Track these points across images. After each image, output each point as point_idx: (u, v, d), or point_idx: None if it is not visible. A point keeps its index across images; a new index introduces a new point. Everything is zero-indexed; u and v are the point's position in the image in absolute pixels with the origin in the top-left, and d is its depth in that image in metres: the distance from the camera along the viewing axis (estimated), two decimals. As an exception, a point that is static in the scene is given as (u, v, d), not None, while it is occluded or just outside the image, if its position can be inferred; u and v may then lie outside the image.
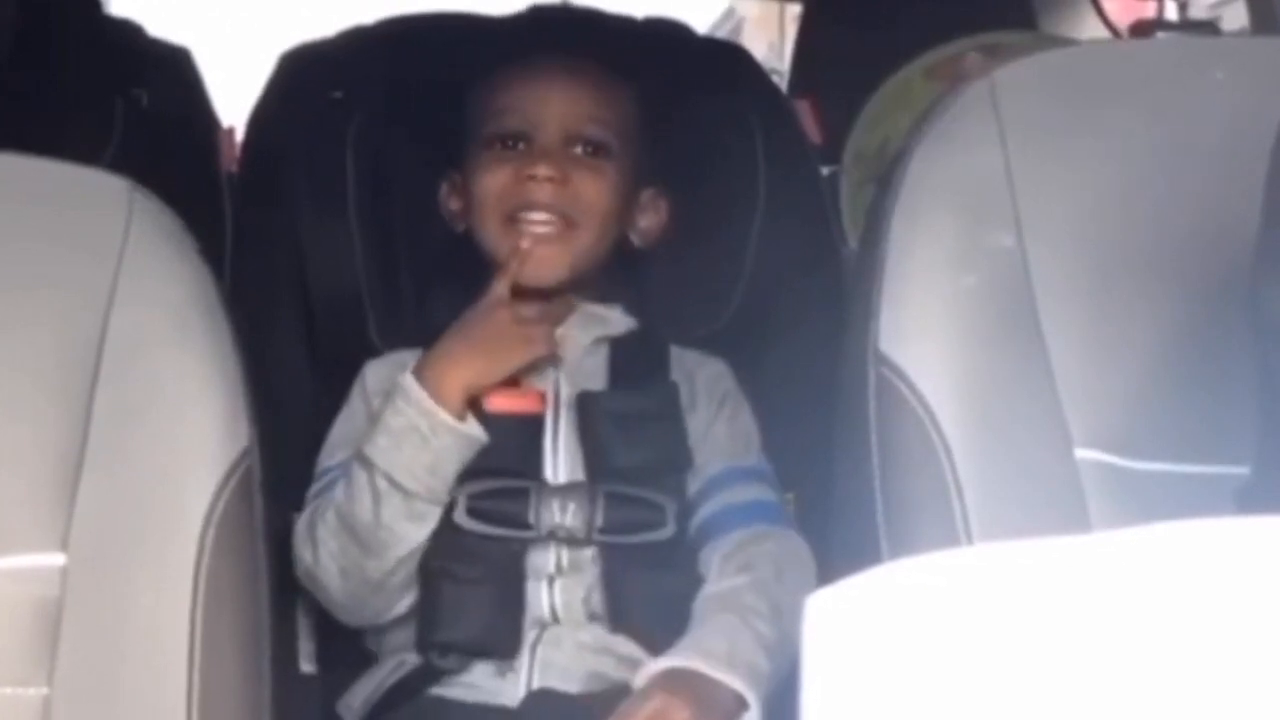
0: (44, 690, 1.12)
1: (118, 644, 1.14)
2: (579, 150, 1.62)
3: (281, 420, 1.46)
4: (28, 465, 1.16)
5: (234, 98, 2.52)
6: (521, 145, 1.62)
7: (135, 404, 1.18)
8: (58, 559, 1.14)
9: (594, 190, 1.61)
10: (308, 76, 1.85)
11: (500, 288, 1.57)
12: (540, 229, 1.59)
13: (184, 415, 1.18)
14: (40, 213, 1.24)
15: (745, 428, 1.65)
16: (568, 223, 1.60)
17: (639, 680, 1.44)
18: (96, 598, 1.14)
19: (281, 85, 1.85)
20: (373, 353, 1.68)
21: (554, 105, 1.62)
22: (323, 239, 1.72)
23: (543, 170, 1.59)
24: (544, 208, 1.59)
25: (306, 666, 1.61)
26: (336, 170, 1.72)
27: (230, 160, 2.41)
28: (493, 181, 1.61)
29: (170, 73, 2.60)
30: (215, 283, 1.24)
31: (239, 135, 2.02)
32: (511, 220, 1.60)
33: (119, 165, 1.35)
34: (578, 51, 1.68)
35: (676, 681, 1.41)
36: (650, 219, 1.70)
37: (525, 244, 1.58)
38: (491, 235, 1.61)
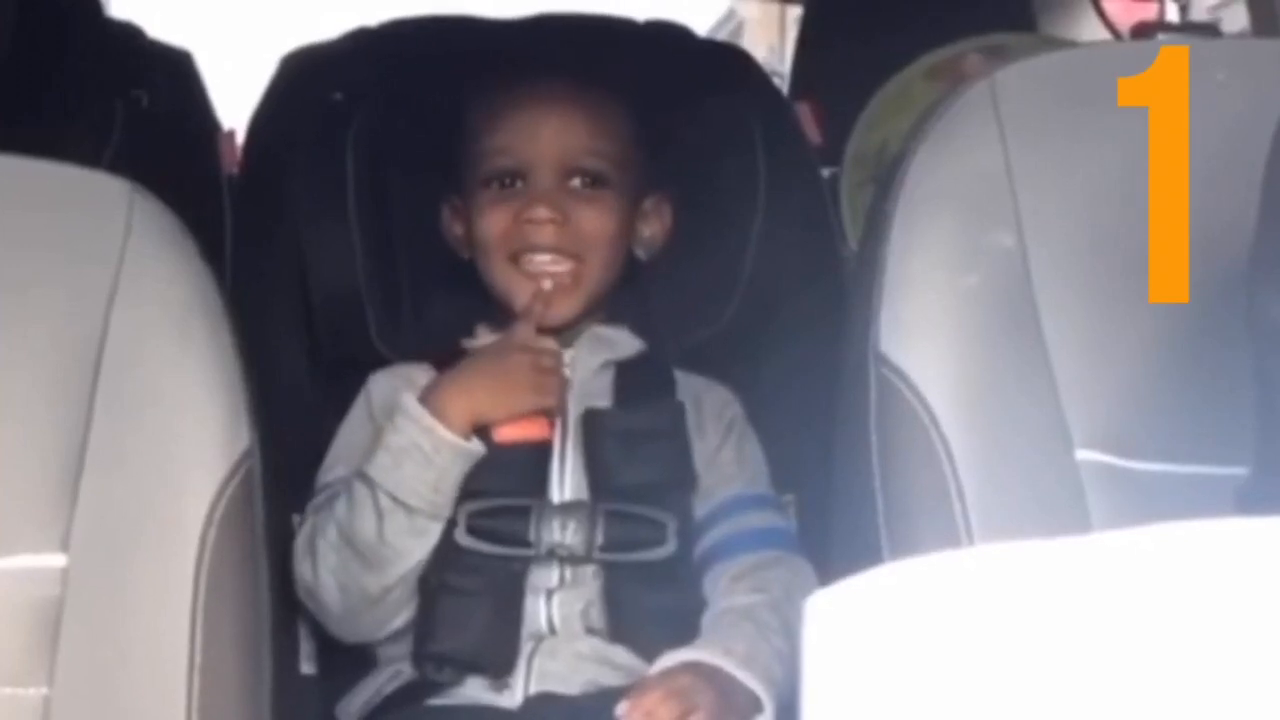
0: (44, 690, 1.12)
1: (118, 644, 1.14)
2: (577, 183, 1.62)
3: (282, 421, 1.45)
4: (28, 466, 1.16)
5: (234, 100, 2.53)
6: (519, 183, 1.62)
7: (136, 405, 1.18)
8: (58, 559, 1.14)
9: (595, 224, 1.62)
10: (308, 79, 1.85)
11: (523, 332, 1.58)
12: (548, 268, 1.60)
13: (185, 416, 1.19)
14: (40, 214, 1.24)
15: (754, 456, 1.65)
16: (574, 260, 1.61)
17: (657, 667, 1.44)
18: (97, 598, 1.14)
19: (282, 87, 1.85)
20: (373, 354, 1.68)
21: (549, 142, 1.62)
22: (323, 241, 1.72)
23: (542, 213, 1.59)
24: (547, 249, 1.60)
25: (306, 667, 1.61)
26: (337, 172, 1.72)
27: (231, 162, 2.41)
28: (493, 225, 1.62)
29: (170, 74, 2.60)
30: (216, 284, 1.24)
31: (239, 137, 2.02)
32: (515, 260, 1.61)
33: (119, 167, 1.35)
34: (571, 71, 1.68)
35: (698, 671, 1.42)
36: (654, 226, 1.70)
37: (546, 285, 1.59)
38: (498, 275, 1.62)
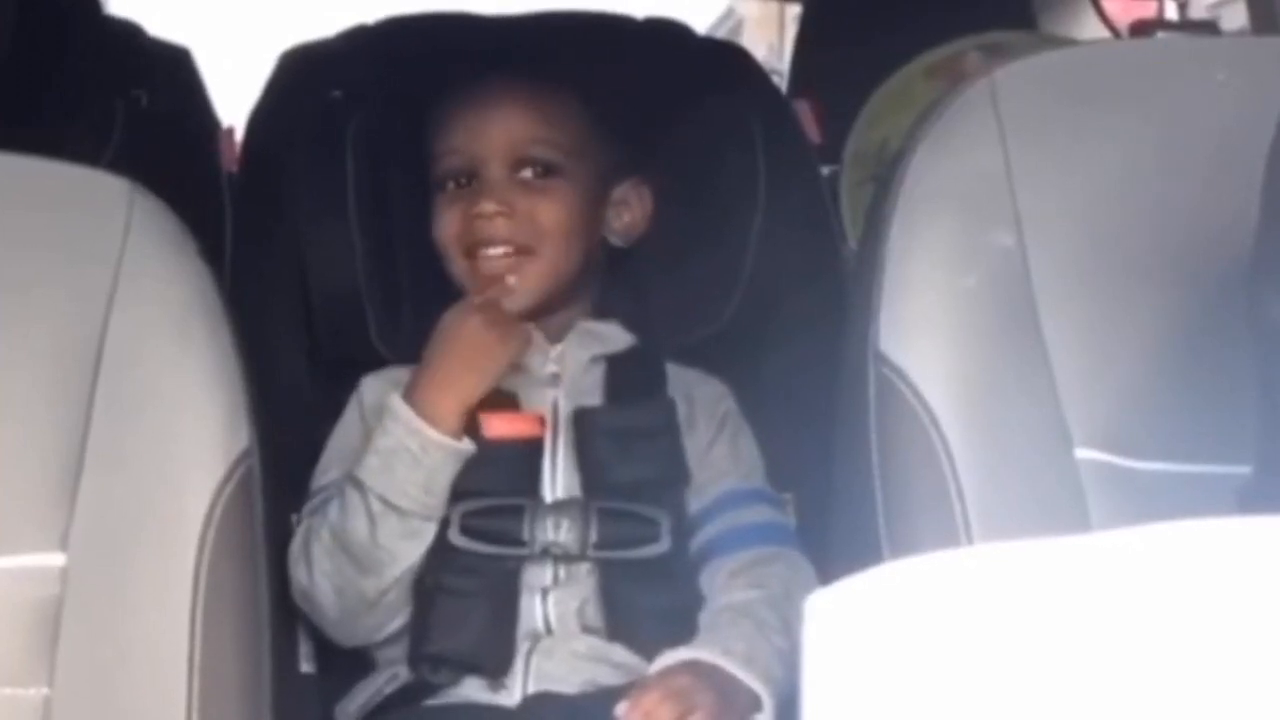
0: (44, 690, 1.12)
1: (118, 644, 1.14)
2: (528, 174, 1.62)
3: (281, 420, 1.45)
4: (28, 465, 1.16)
5: (234, 98, 2.52)
6: (473, 181, 1.63)
7: (135, 404, 1.18)
8: (58, 559, 1.14)
9: (547, 215, 1.61)
10: (307, 76, 1.85)
11: (464, 303, 1.58)
12: (501, 262, 1.60)
13: (184, 415, 1.18)
14: (40, 213, 1.24)
15: (748, 451, 1.65)
16: (525, 251, 1.61)
17: (657, 666, 1.44)
18: (97, 598, 1.14)
19: (281, 85, 1.85)
20: (373, 354, 1.68)
21: (494, 137, 1.62)
22: (322, 239, 1.72)
23: (488, 207, 1.60)
24: (499, 242, 1.61)
25: (306, 667, 1.61)
26: (336, 170, 1.72)
27: (230, 160, 2.41)
28: (448, 225, 1.63)
29: (170, 73, 2.60)
30: (215, 283, 1.24)
31: (239, 135, 2.01)
32: (471, 257, 1.62)
33: (119, 166, 1.35)
34: (518, 66, 1.68)
35: (697, 670, 1.42)
36: (632, 213, 1.70)
37: (511, 281, 1.59)
38: (458, 274, 1.63)
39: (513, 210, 1.60)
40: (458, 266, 1.63)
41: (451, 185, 1.64)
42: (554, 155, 1.63)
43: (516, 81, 1.66)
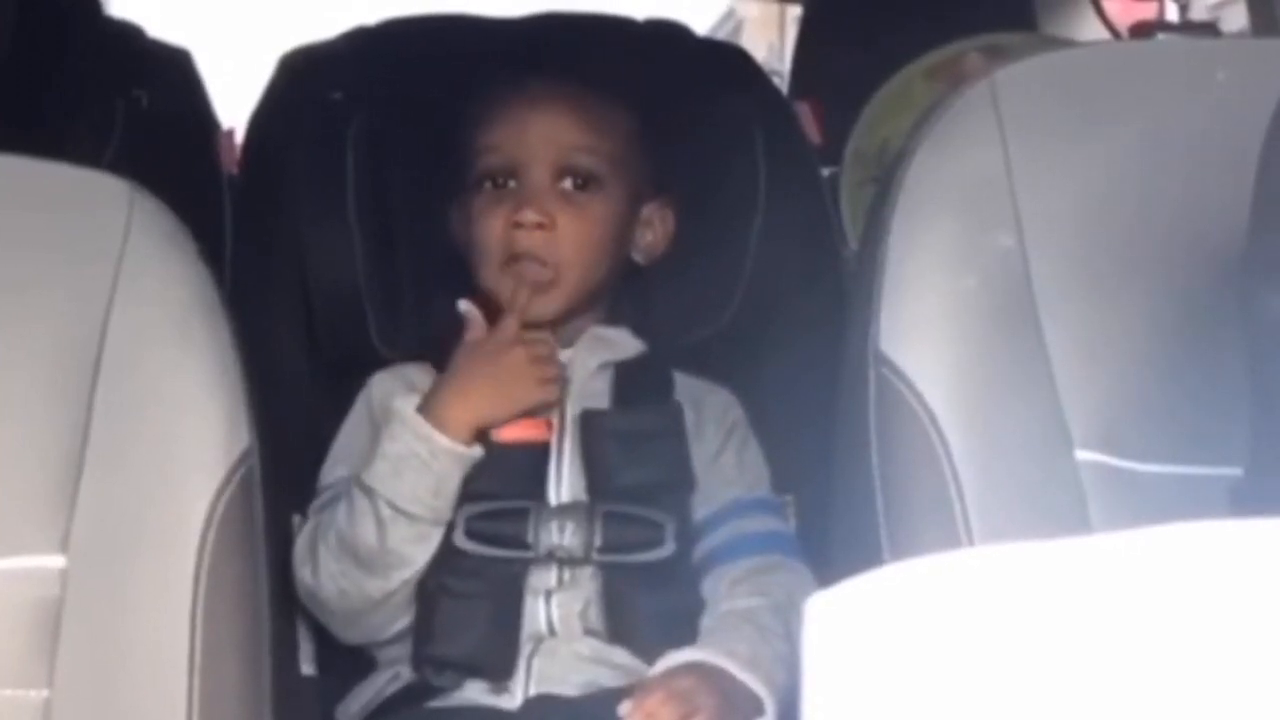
0: (44, 692, 1.12)
1: (118, 645, 1.14)
2: (568, 184, 1.60)
3: (281, 421, 1.45)
4: (28, 466, 1.16)
5: (234, 99, 2.53)
6: (512, 183, 1.61)
7: (135, 405, 1.18)
8: (58, 560, 1.14)
9: (583, 229, 1.59)
10: (307, 78, 1.85)
11: (510, 325, 1.56)
12: (532, 275, 1.58)
13: (184, 416, 1.18)
14: (40, 214, 1.24)
15: (755, 461, 1.65)
16: (558, 266, 1.59)
17: (660, 667, 1.44)
18: (97, 599, 1.14)
19: (281, 87, 1.85)
20: (373, 354, 1.68)
21: (540, 140, 1.60)
22: (323, 240, 1.72)
23: (530, 216, 1.57)
24: (536, 258, 1.58)
25: (306, 668, 1.61)
26: (336, 171, 1.72)
27: (230, 162, 2.41)
28: (487, 230, 1.60)
29: (170, 74, 2.60)
30: (215, 284, 1.24)
31: (239, 137, 2.02)
32: (507, 264, 1.59)
33: (119, 166, 1.35)
34: (568, 73, 1.67)
35: (701, 672, 1.42)
36: (656, 232, 1.69)
37: (526, 288, 1.58)
38: (491, 279, 1.60)
39: (553, 223, 1.58)
40: (493, 274, 1.60)
41: (489, 185, 1.62)
42: (597, 165, 1.61)
43: (566, 84, 1.65)
